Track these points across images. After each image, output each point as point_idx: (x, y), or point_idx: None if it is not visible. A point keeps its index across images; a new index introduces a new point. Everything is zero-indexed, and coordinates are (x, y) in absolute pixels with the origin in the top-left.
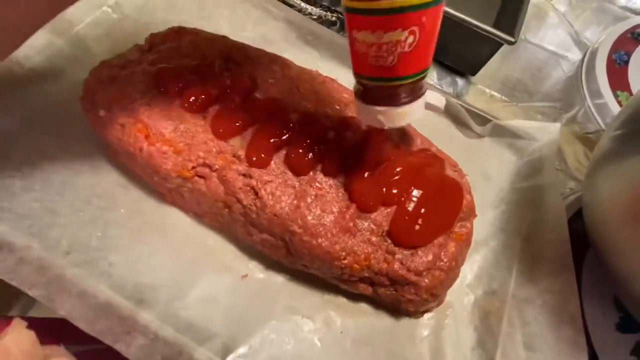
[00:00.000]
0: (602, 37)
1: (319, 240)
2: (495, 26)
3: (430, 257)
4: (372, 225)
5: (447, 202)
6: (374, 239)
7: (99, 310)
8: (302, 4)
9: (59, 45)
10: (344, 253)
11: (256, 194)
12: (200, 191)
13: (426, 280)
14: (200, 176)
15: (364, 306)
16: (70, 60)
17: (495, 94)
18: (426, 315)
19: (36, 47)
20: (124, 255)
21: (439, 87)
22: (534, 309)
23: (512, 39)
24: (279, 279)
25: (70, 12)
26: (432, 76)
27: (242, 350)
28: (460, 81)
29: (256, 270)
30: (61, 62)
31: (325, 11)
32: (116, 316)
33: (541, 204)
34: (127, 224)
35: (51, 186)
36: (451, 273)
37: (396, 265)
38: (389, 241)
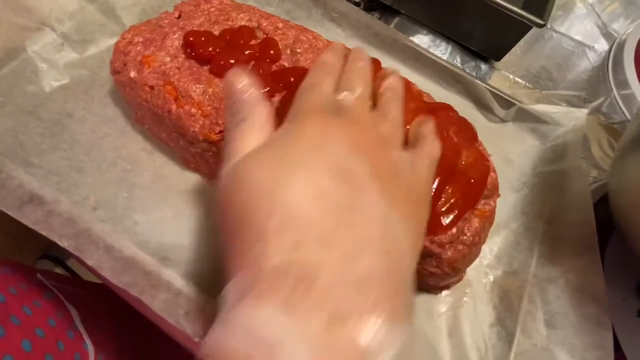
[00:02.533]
0: (631, 29)
1: None
2: (523, 9)
3: (454, 230)
4: None
5: (474, 176)
6: None
7: (125, 264)
8: None
9: (90, 11)
10: None
11: None
12: None
13: (449, 253)
14: None
15: None
16: (99, 27)
17: (519, 80)
18: (444, 292)
19: (68, 12)
20: (149, 215)
21: (461, 70)
22: (556, 288)
23: (541, 22)
24: None
25: None
26: (456, 60)
27: None
28: (483, 66)
29: None
30: (91, 28)
31: None
32: (141, 270)
33: (565, 188)
34: (151, 186)
35: (79, 147)
36: (474, 248)
37: None
38: None
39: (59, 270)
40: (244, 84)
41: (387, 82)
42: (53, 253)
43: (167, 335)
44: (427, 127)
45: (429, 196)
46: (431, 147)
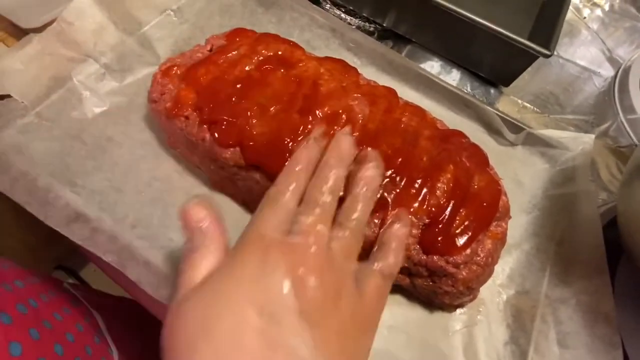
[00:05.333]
0: (636, 55)
1: None
2: (530, 39)
3: (468, 251)
4: (414, 219)
5: (486, 200)
6: (414, 231)
7: (162, 279)
8: (343, 15)
9: (129, 43)
10: None
11: None
12: (254, 179)
13: (463, 273)
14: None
15: (398, 297)
16: (137, 58)
17: (528, 105)
18: (458, 311)
19: (110, 45)
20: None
21: (472, 96)
22: (568, 309)
23: (548, 52)
24: None
25: (139, 14)
26: (466, 86)
27: None
28: (492, 91)
29: None
30: (130, 59)
31: (364, 22)
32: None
33: (575, 211)
34: None
35: (118, 168)
36: (487, 268)
37: (435, 257)
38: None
39: (71, 280)
40: (199, 215)
41: (362, 174)
42: (67, 264)
43: None
44: (391, 235)
45: (374, 319)
46: (385, 263)
